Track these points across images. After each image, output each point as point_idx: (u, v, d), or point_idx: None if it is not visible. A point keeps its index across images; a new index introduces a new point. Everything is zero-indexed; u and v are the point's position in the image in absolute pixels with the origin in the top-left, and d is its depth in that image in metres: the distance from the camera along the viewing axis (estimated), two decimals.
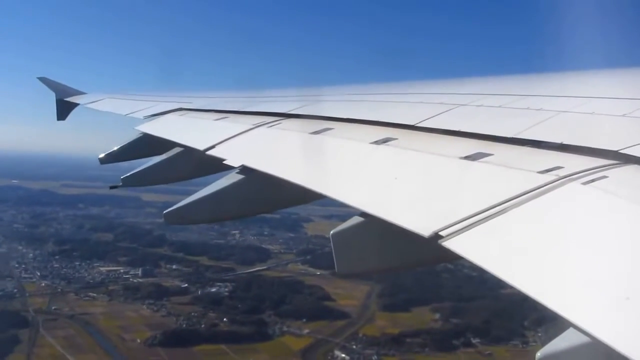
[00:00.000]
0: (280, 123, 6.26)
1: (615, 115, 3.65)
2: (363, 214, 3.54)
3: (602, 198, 2.73)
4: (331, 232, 3.59)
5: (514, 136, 3.78)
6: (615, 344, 1.86)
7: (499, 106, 4.64)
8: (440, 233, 2.85)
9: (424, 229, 2.93)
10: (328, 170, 4.56)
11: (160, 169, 7.11)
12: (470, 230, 2.80)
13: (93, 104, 12.78)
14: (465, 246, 2.73)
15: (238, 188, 5.13)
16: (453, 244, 2.76)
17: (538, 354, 2.43)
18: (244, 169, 5.13)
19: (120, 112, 10.75)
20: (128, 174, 7.22)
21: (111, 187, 7.68)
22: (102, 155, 8.75)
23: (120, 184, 7.31)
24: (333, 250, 3.52)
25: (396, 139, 4.52)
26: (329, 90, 7.93)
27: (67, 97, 14.29)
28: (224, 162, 5.52)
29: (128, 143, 8.62)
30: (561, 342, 2.40)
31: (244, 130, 6.34)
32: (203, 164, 6.37)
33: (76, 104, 13.87)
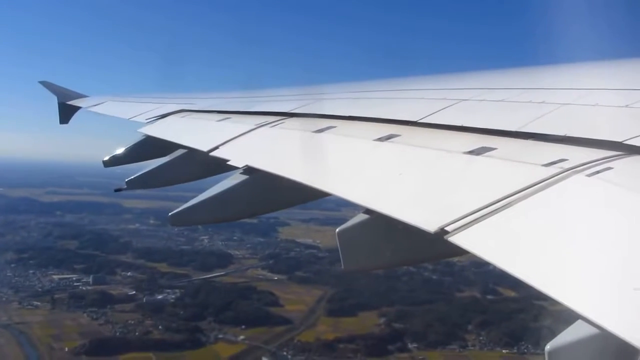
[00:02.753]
0: (282, 122, 6.26)
1: (618, 106, 3.64)
2: (368, 211, 3.54)
3: (608, 189, 2.73)
4: (337, 229, 3.60)
5: (517, 130, 3.78)
6: (624, 335, 1.86)
7: (502, 100, 4.64)
8: (446, 228, 2.85)
9: (430, 225, 2.93)
10: (332, 168, 4.57)
11: (164, 171, 7.11)
12: (476, 225, 2.80)
13: (95, 107, 12.80)
14: (471, 241, 2.73)
15: (242, 188, 5.13)
16: (459, 239, 2.77)
17: (547, 347, 2.43)
18: (248, 169, 5.14)
19: (122, 115, 10.77)
20: (132, 177, 7.22)
21: (116, 190, 7.69)
22: (105, 158, 8.77)
23: (125, 187, 7.31)
24: (339, 248, 3.53)
25: (399, 135, 4.52)
26: (331, 88, 7.93)
27: (69, 100, 14.31)
28: (228, 162, 5.53)
29: (131, 146, 8.63)
30: (570, 334, 2.40)
31: (246, 130, 6.34)
32: (207, 165, 6.38)
33: (78, 108, 13.89)
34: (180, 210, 5.36)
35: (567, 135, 3.42)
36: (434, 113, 4.71)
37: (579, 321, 2.25)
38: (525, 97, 4.46)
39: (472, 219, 2.84)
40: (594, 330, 2.13)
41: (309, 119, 6.05)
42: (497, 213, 2.83)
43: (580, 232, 2.55)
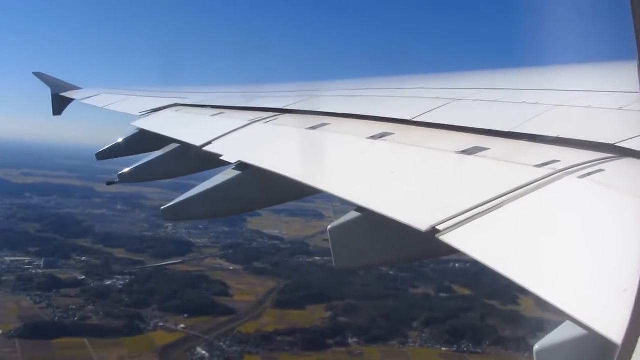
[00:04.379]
0: (276, 119, 6.26)
1: (611, 109, 3.66)
2: (360, 209, 3.54)
3: (599, 191, 2.75)
4: (328, 227, 3.60)
5: (510, 130, 3.79)
6: (613, 336, 1.87)
7: (495, 100, 4.65)
8: (438, 227, 2.85)
9: (421, 223, 2.93)
10: (325, 166, 4.57)
11: (157, 165, 7.10)
12: (468, 224, 2.81)
13: (89, 99, 12.75)
14: (462, 240, 2.74)
15: (235, 184, 5.13)
16: (450, 238, 2.77)
17: (536, 347, 2.44)
18: (241, 165, 5.14)
19: (116, 108, 10.74)
20: (125, 170, 7.20)
21: (108, 184, 7.68)
22: (99, 152, 8.75)
23: (117, 180, 7.30)
24: (330, 245, 3.53)
25: (393, 133, 4.53)
26: (325, 85, 7.93)
27: (62, 92, 14.26)
28: (221, 158, 5.52)
29: (124, 139, 8.62)
30: (558, 335, 2.41)
31: (240, 126, 6.34)
32: (200, 159, 6.38)
33: (72, 99, 13.84)
34: (173, 205, 5.35)
35: (560, 136, 3.44)
36: (427, 112, 4.72)
37: (568, 322, 2.26)
38: (519, 98, 4.47)
39: (463, 219, 2.85)
40: (582, 331, 2.14)
41: (303, 115, 6.04)
42: (488, 213, 2.84)
43: (570, 233, 2.57)
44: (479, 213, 2.85)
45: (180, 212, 5.49)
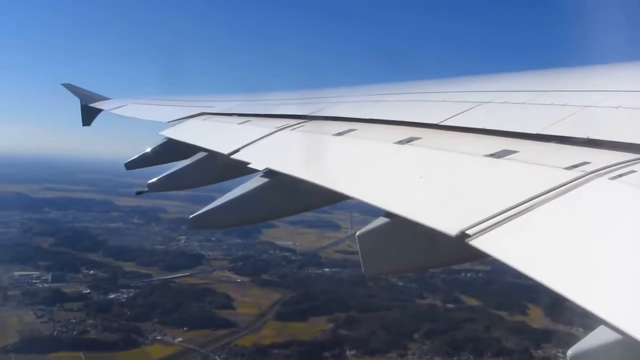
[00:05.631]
0: (302, 125, 6.28)
1: None
2: (388, 214, 3.53)
3: (632, 193, 2.71)
4: (357, 233, 3.60)
5: (539, 132, 3.75)
6: None
7: (523, 102, 4.61)
8: (467, 232, 2.83)
9: (451, 228, 2.92)
10: (352, 171, 4.57)
11: (185, 173, 7.15)
12: (498, 229, 2.79)
13: (117, 109, 12.90)
14: (492, 245, 2.72)
15: (263, 191, 5.15)
16: (480, 243, 2.75)
17: (569, 352, 2.42)
18: (269, 172, 5.15)
19: (144, 118, 10.86)
20: (154, 179, 7.26)
21: (137, 193, 7.74)
22: (127, 161, 8.85)
23: (147, 189, 7.36)
24: (359, 252, 3.52)
25: (420, 138, 4.51)
26: (349, 91, 7.93)
27: (91, 102, 14.45)
28: (249, 165, 5.55)
29: (153, 148, 8.70)
30: (592, 340, 2.39)
31: (267, 133, 6.36)
32: (228, 167, 6.41)
33: (100, 110, 14.01)
34: (201, 213, 5.38)
35: (590, 137, 3.40)
36: (454, 116, 4.69)
37: (602, 326, 2.23)
38: (547, 100, 4.43)
39: (493, 223, 2.83)
40: (616, 336, 2.11)
41: (329, 121, 6.05)
42: (518, 216, 2.81)
43: (603, 236, 2.53)
44: (509, 217, 2.83)
45: (208, 221, 5.52)
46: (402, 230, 3.45)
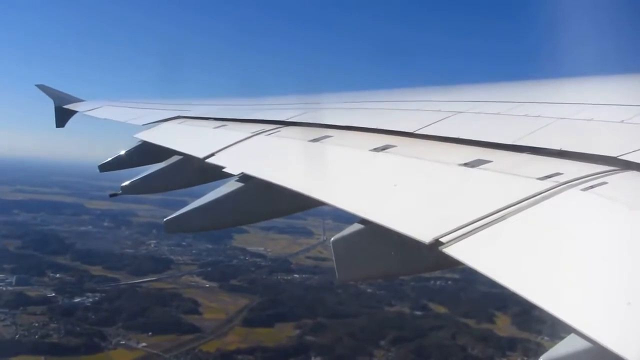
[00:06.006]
0: (279, 131, 6.27)
1: (614, 122, 3.66)
2: (363, 221, 3.54)
3: (602, 204, 2.74)
4: (332, 239, 3.60)
5: (513, 143, 3.79)
6: (618, 349, 1.87)
7: (498, 113, 4.65)
8: (441, 239, 2.85)
9: (425, 236, 2.93)
10: (328, 178, 4.57)
11: (160, 177, 7.10)
12: (471, 237, 2.81)
13: (91, 111, 12.79)
14: (465, 252, 2.74)
15: (238, 195, 5.14)
16: (453, 251, 2.77)
17: (541, 359, 2.44)
18: (244, 177, 5.14)
19: (118, 120, 10.76)
20: (128, 182, 7.20)
21: (111, 195, 7.67)
22: (101, 164, 8.76)
23: (120, 192, 7.30)
24: (334, 258, 3.52)
25: (395, 146, 4.53)
26: (327, 97, 7.94)
27: (65, 104, 14.31)
28: (224, 169, 5.53)
29: (127, 151, 8.63)
30: (563, 348, 2.41)
31: (243, 138, 6.35)
32: (202, 171, 6.39)
33: (75, 112, 13.88)
34: (175, 217, 5.34)
35: (563, 149, 3.44)
36: (430, 125, 4.73)
37: (572, 335, 2.25)
38: (522, 111, 4.48)
39: (466, 231, 2.85)
40: (587, 344, 2.14)
41: (306, 127, 6.06)
42: (491, 225, 2.84)
43: (574, 246, 2.56)
44: (482, 225, 2.85)
45: (182, 224, 5.49)
46: (376, 237, 3.45)
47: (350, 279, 3.86)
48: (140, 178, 7.20)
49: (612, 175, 2.98)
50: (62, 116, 14.33)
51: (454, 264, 2.86)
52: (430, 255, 3.03)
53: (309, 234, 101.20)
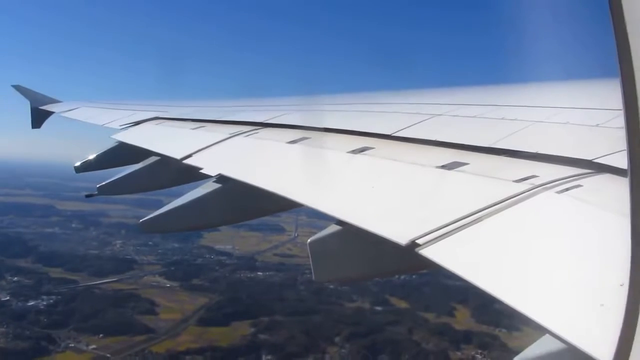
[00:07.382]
0: (257, 132, 6.27)
1: (588, 125, 3.70)
2: (340, 222, 3.54)
3: (576, 206, 2.77)
4: (308, 240, 3.59)
5: (489, 146, 3.82)
6: (590, 350, 1.88)
7: (474, 116, 4.69)
8: (417, 241, 2.85)
9: (401, 237, 2.93)
10: (305, 179, 4.57)
11: (137, 177, 7.06)
12: (447, 239, 2.82)
13: (68, 112, 12.67)
14: (441, 254, 2.74)
15: (215, 197, 5.11)
16: (429, 252, 2.77)
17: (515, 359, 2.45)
18: (221, 178, 5.12)
19: (95, 121, 10.68)
20: (104, 183, 7.15)
21: (87, 196, 7.61)
22: (77, 164, 8.68)
23: (96, 192, 7.24)
24: (310, 259, 3.52)
25: (373, 148, 4.54)
26: (306, 100, 7.94)
27: (41, 105, 14.18)
28: (201, 171, 5.51)
29: (104, 152, 8.56)
30: (537, 349, 2.42)
31: (220, 139, 6.33)
32: (180, 172, 6.35)
33: (51, 113, 13.76)
34: (151, 218, 5.31)
35: (539, 152, 3.47)
36: (407, 127, 4.74)
37: (546, 336, 2.27)
38: (498, 114, 4.51)
39: (443, 233, 2.86)
40: (560, 345, 2.15)
41: (284, 129, 6.06)
42: (467, 227, 2.85)
43: (548, 247, 2.58)
44: (458, 227, 2.86)
45: (159, 225, 5.46)
46: (353, 238, 3.45)
47: (327, 280, 3.85)
48: (117, 179, 7.16)
49: (587, 178, 3.00)
50: (39, 117, 14.20)
51: (430, 265, 2.87)
52: (407, 257, 3.03)
53: (280, 230, 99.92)
